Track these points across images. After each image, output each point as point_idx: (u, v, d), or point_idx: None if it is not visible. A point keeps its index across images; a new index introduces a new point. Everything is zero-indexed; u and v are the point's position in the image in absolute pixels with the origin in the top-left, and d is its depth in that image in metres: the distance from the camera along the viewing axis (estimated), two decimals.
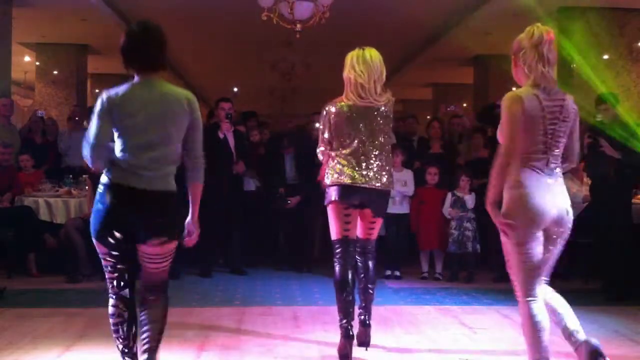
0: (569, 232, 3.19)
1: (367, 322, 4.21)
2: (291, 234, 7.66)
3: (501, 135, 3.16)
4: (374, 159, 3.99)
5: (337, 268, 4.02)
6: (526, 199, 3.05)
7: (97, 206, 3.03)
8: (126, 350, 3.12)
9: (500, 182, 3.11)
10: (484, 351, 4.25)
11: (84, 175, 7.19)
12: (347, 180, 3.94)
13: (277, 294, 6.06)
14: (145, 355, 3.09)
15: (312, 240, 7.48)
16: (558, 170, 3.16)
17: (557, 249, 3.20)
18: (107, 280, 3.14)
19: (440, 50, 12.61)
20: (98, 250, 3.11)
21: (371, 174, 3.97)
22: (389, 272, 6.84)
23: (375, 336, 4.35)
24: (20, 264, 6.75)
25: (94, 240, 3.09)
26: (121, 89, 3.04)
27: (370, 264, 4.23)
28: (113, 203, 2.99)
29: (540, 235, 3.10)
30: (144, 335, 3.11)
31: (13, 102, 8.62)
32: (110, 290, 3.14)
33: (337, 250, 4.04)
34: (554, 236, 3.15)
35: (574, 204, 6.77)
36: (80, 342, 4.28)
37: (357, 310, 4.19)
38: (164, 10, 10.53)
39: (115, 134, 3.05)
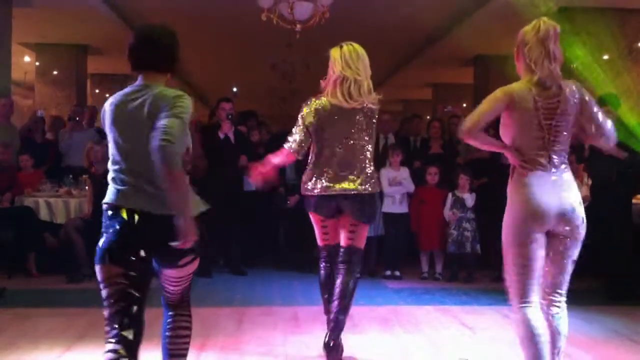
0: (581, 232, 2.97)
1: (332, 344, 3.78)
2: (291, 234, 7.65)
3: (503, 133, 3.08)
4: (354, 162, 3.85)
5: (321, 270, 4.11)
6: (529, 196, 2.92)
7: (111, 228, 2.61)
8: None
9: (482, 140, 3.05)
10: (483, 351, 4.25)
11: (84, 175, 7.19)
12: (321, 190, 3.86)
13: (277, 294, 6.06)
14: None
15: (311, 240, 7.47)
16: (564, 165, 3.00)
17: (568, 252, 2.98)
18: (107, 320, 2.57)
19: (440, 50, 12.61)
20: (104, 276, 2.58)
21: (351, 177, 3.83)
22: (389, 272, 6.85)
23: (375, 336, 4.36)
24: (20, 264, 6.75)
25: (100, 266, 2.59)
26: (118, 94, 2.75)
27: (351, 279, 3.84)
28: (129, 224, 2.59)
29: (541, 237, 2.94)
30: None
31: (13, 102, 8.61)
32: (108, 331, 2.56)
33: (322, 255, 4.13)
34: (562, 236, 2.95)
35: None
36: (81, 342, 4.28)
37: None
38: (164, 10, 10.52)
39: (110, 147, 2.73)
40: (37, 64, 12.76)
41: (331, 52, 3.92)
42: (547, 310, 3.00)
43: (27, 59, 13.43)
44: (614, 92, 6.60)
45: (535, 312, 2.91)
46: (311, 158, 3.96)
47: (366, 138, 3.90)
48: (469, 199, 6.70)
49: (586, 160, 6.31)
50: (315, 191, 3.88)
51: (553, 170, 2.97)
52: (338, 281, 3.88)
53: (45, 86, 12.53)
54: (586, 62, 8.27)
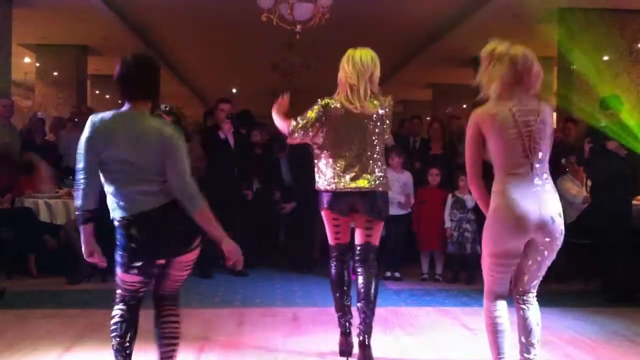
0: (559, 242, 3.09)
1: (367, 342, 3.87)
2: (291, 235, 7.65)
3: (488, 148, 3.18)
4: (366, 160, 3.90)
5: (332, 268, 4.10)
6: (510, 207, 3.00)
7: (124, 242, 3.06)
8: (120, 348, 3.08)
9: (481, 193, 3.22)
10: (484, 353, 4.24)
11: None
12: (337, 187, 3.89)
13: (277, 295, 6.06)
14: None
15: (312, 241, 7.48)
16: (545, 175, 3.08)
17: (545, 260, 3.11)
18: (120, 294, 3.12)
19: (440, 51, 12.63)
20: (128, 280, 3.07)
21: (364, 176, 3.89)
22: (389, 274, 6.84)
23: (375, 338, 4.34)
24: (20, 265, 6.74)
25: (123, 274, 3.06)
26: (106, 117, 3.05)
27: (373, 279, 3.93)
28: (137, 236, 3.01)
29: (520, 246, 3.05)
30: (164, 350, 3.13)
31: (13, 103, 8.61)
32: (119, 298, 3.13)
33: (333, 254, 4.11)
34: (541, 247, 3.06)
35: (574, 205, 6.78)
36: (80, 343, 4.28)
37: (355, 330, 4.01)
38: (164, 11, 10.55)
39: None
40: (37, 64, 12.78)
41: None
42: (522, 306, 3.19)
43: (27, 59, 13.44)
44: (616, 93, 6.59)
45: (501, 306, 3.14)
46: (324, 157, 3.98)
47: (377, 141, 3.96)
48: (469, 200, 6.69)
49: (587, 161, 6.31)
50: (330, 188, 3.92)
51: (535, 180, 3.05)
52: (360, 282, 3.92)
53: (45, 87, 12.55)
54: (586, 63, 8.27)
